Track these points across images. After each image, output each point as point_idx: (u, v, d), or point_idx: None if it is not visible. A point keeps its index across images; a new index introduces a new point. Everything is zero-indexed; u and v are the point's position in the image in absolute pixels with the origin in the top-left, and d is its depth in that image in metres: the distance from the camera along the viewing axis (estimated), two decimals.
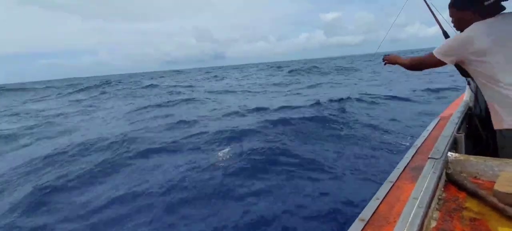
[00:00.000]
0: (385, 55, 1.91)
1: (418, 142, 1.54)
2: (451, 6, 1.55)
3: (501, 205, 0.93)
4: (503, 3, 1.41)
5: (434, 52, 1.52)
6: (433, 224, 0.94)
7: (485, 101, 2.26)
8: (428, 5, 1.87)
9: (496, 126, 1.46)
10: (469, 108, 1.98)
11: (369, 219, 0.93)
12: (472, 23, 1.40)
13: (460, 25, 1.52)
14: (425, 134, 1.67)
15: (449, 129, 1.49)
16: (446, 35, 1.72)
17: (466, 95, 2.17)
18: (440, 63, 1.52)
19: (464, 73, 1.60)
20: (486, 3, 1.38)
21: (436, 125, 1.80)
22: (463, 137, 1.52)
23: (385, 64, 1.91)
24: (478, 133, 1.95)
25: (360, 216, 0.96)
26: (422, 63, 1.64)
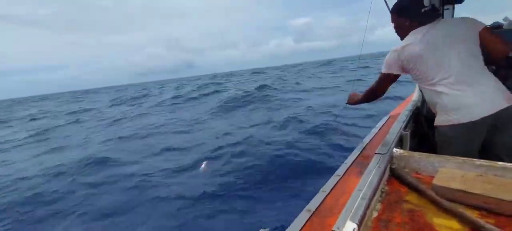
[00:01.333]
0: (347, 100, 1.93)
1: (367, 139, 1.57)
2: (392, 12, 1.58)
3: (438, 198, 0.95)
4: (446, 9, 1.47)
5: (382, 70, 1.56)
6: (375, 214, 0.93)
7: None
8: (388, 7, 1.90)
9: (435, 124, 1.53)
10: (417, 108, 2.07)
11: (315, 210, 0.92)
12: (409, 30, 1.46)
13: (400, 31, 1.56)
14: (374, 131, 1.71)
15: (396, 127, 1.53)
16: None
17: (415, 95, 2.28)
18: (389, 78, 1.54)
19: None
20: (422, 10, 1.44)
21: (385, 122, 1.85)
22: (408, 135, 1.57)
23: (347, 104, 1.93)
24: (423, 131, 2.05)
25: (306, 207, 0.95)
26: (375, 87, 1.64)
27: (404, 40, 1.47)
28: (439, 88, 1.40)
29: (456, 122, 1.36)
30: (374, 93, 1.67)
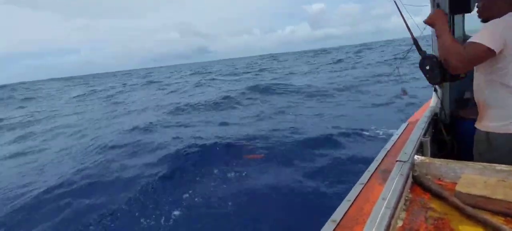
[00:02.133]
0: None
1: (388, 146, 1.60)
2: None
3: (462, 205, 0.98)
4: None
5: (479, 40, 1.32)
6: (400, 223, 0.97)
7: (450, 108, 2.40)
8: (400, 10, 1.86)
9: (484, 128, 1.52)
10: (435, 114, 2.08)
11: (340, 220, 0.96)
12: (502, 12, 1.34)
13: (488, 11, 1.43)
14: (394, 137, 1.74)
15: (416, 134, 1.56)
16: (417, 44, 1.76)
17: (433, 102, 2.29)
18: (485, 53, 1.33)
19: (435, 81, 1.67)
20: None
21: (404, 129, 1.88)
22: (428, 141, 1.59)
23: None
24: (442, 137, 2.06)
25: (332, 217, 0.98)
26: (466, 53, 1.36)
27: (504, 18, 1.32)
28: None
29: None
30: (460, 59, 1.36)
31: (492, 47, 1.30)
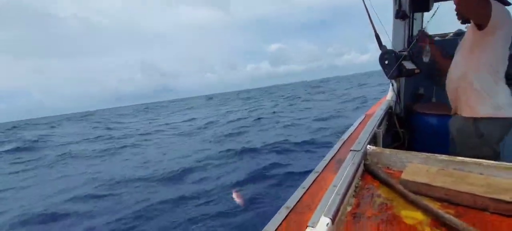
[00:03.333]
0: None
1: (345, 136, 1.65)
2: None
3: (405, 191, 1.03)
4: None
5: None
6: (349, 209, 1.00)
7: (404, 102, 2.54)
8: (366, 7, 1.93)
9: (473, 114, 1.63)
10: (390, 107, 2.20)
11: (293, 207, 0.96)
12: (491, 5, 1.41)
13: (476, 9, 1.46)
14: (351, 129, 1.80)
15: (371, 125, 1.63)
16: (378, 39, 1.83)
17: (389, 96, 2.41)
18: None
19: (392, 76, 1.74)
20: None
21: (361, 121, 1.95)
22: (381, 132, 1.67)
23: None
24: (396, 129, 2.18)
25: (285, 204, 0.99)
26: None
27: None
28: (500, 79, 1.52)
29: (508, 115, 1.52)
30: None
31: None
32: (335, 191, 0.97)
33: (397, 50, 1.74)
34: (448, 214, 0.88)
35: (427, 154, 1.21)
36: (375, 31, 1.87)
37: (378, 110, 1.99)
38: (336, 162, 1.29)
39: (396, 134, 2.22)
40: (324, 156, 1.40)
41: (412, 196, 1.01)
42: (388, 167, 1.29)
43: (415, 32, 2.65)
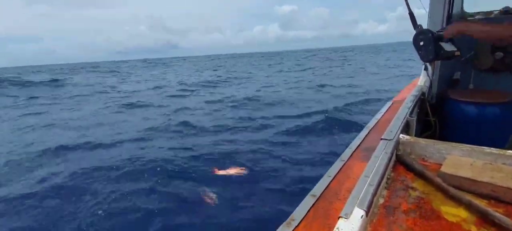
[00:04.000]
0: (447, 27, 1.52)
1: (371, 124, 1.55)
2: None
3: (445, 185, 0.93)
4: None
5: None
6: (381, 201, 0.92)
7: (438, 89, 2.36)
8: None
9: None
10: (423, 94, 2.04)
11: (320, 195, 0.91)
12: None
13: None
14: (378, 116, 1.69)
15: (402, 112, 1.51)
16: (413, 18, 1.67)
17: (421, 81, 2.24)
18: None
19: (427, 58, 1.59)
20: None
21: (389, 108, 1.83)
22: (414, 121, 1.54)
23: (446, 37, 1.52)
24: (427, 118, 2.02)
25: (311, 192, 0.94)
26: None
27: None
28: None
29: None
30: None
31: None
32: (368, 182, 0.89)
33: (434, 31, 1.57)
34: (497, 213, 0.78)
35: (471, 146, 1.09)
36: (408, 7, 1.71)
37: (408, 96, 1.85)
38: (364, 151, 1.21)
39: (427, 122, 2.07)
40: (349, 144, 1.32)
41: (453, 190, 0.90)
42: (423, 159, 1.19)
43: (455, 10, 2.42)
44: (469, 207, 0.85)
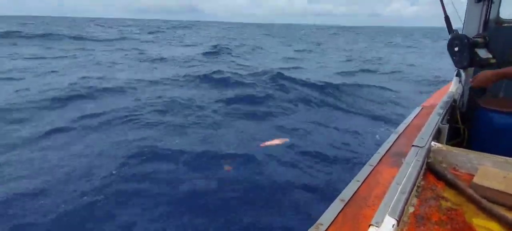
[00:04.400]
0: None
1: (400, 129, 1.55)
2: None
3: (478, 197, 0.95)
4: None
5: None
6: (411, 210, 0.95)
7: (469, 96, 2.30)
8: None
9: None
10: (454, 101, 2.00)
11: (349, 200, 0.93)
12: None
13: None
14: (407, 121, 1.69)
15: (434, 119, 1.50)
16: (448, 22, 1.64)
17: (453, 87, 2.19)
18: None
19: (462, 65, 1.57)
20: None
21: (418, 113, 1.82)
22: (447, 128, 1.54)
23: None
24: (456, 125, 1.99)
25: (340, 196, 0.96)
26: None
27: None
28: None
29: None
30: None
31: None
32: (399, 190, 0.91)
33: (470, 36, 1.54)
34: None
35: (504, 157, 1.09)
36: (444, 12, 1.67)
37: (440, 102, 1.83)
38: (393, 156, 1.23)
39: (455, 130, 2.04)
40: (378, 149, 1.33)
41: (486, 203, 0.92)
42: (454, 168, 1.19)
43: (492, 16, 2.33)
44: (500, 220, 0.86)
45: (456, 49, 1.51)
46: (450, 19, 1.70)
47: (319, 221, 0.84)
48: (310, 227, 0.82)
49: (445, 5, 1.65)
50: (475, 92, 2.41)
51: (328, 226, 0.81)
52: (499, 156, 1.11)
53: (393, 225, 0.77)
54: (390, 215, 0.79)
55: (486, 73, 1.55)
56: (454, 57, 1.56)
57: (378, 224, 0.76)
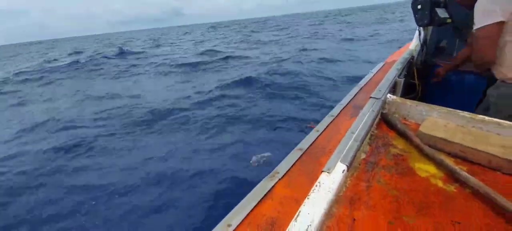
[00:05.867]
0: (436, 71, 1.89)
1: (362, 82, 1.61)
2: None
3: (421, 144, 1.04)
4: None
5: (477, 24, 1.34)
6: (363, 156, 1.02)
7: (427, 55, 2.42)
8: None
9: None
10: (412, 57, 2.10)
11: (307, 149, 0.97)
12: None
13: None
14: (369, 75, 1.75)
15: (392, 73, 1.57)
16: None
17: (413, 44, 2.29)
18: (492, 30, 1.33)
19: (422, 23, 1.62)
20: None
21: (380, 68, 1.89)
22: (402, 82, 1.62)
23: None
24: (412, 81, 2.12)
25: (298, 145, 0.99)
26: (476, 50, 1.41)
27: None
28: None
29: None
30: (479, 59, 1.43)
31: (498, 20, 1.28)
32: (353, 138, 0.97)
33: None
34: (462, 170, 0.90)
35: (448, 108, 1.19)
36: None
37: (400, 58, 1.91)
38: (353, 108, 1.28)
39: (411, 85, 2.17)
40: (340, 100, 1.38)
41: (427, 149, 1.01)
42: (405, 118, 1.29)
43: None
44: (439, 164, 0.96)
45: (419, 7, 1.55)
46: None
47: (276, 169, 0.86)
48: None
49: None
50: (431, 51, 2.54)
51: (284, 174, 0.84)
52: (443, 107, 1.21)
53: (343, 170, 0.82)
54: (341, 161, 0.85)
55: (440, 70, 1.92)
56: (416, 15, 1.61)
57: (329, 170, 0.81)
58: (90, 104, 7.13)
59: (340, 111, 1.26)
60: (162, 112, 5.63)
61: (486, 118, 1.12)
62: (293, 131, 4.23)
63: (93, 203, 3.02)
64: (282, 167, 0.87)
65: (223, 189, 2.98)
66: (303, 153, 0.95)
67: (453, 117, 1.17)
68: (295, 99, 5.75)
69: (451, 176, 0.91)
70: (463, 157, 1.00)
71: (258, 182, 0.82)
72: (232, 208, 0.72)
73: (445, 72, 1.99)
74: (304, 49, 12.39)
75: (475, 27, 1.37)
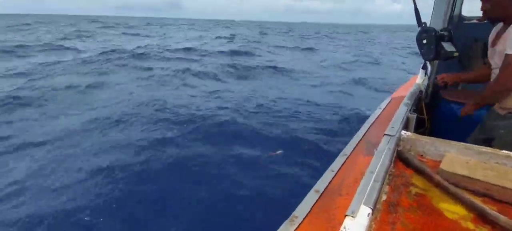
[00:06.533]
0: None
1: (371, 118, 1.59)
2: None
3: (445, 182, 0.99)
4: None
5: (509, 50, 1.37)
6: (384, 197, 0.97)
7: (433, 88, 2.44)
8: None
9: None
10: (421, 92, 2.10)
11: (323, 191, 0.94)
12: (509, 12, 1.41)
13: (496, 11, 1.46)
14: (377, 112, 1.74)
15: (403, 109, 1.56)
16: (418, 15, 1.70)
17: (419, 79, 2.30)
18: None
19: (428, 57, 1.64)
20: None
21: (388, 103, 1.88)
22: (415, 118, 1.60)
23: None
24: (420, 116, 2.10)
25: (315, 187, 0.96)
26: (506, 75, 1.43)
27: None
28: None
29: None
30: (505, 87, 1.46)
31: None
32: (373, 178, 0.92)
33: (437, 29, 1.62)
34: (492, 210, 0.84)
35: (467, 144, 1.15)
36: (415, 4, 1.74)
37: (409, 93, 1.91)
38: (366, 146, 1.25)
39: (420, 120, 2.15)
40: (351, 138, 1.35)
41: (452, 188, 0.96)
42: (421, 155, 1.24)
43: (457, 11, 2.47)
44: (465, 204, 0.90)
45: (424, 42, 1.58)
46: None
47: (294, 213, 0.82)
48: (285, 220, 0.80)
49: None
50: (438, 86, 2.56)
51: (304, 218, 0.80)
52: (462, 143, 1.17)
53: (369, 214, 0.77)
54: (365, 204, 0.80)
55: (448, 75, 1.79)
56: (422, 50, 1.63)
57: (354, 214, 0.76)
58: None
59: (353, 149, 1.23)
60: None
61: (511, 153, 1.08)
62: None
63: None
64: (300, 211, 0.83)
65: None
66: (321, 195, 0.91)
67: (472, 153, 1.13)
68: None
69: (482, 217, 0.84)
70: (489, 195, 0.94)
71: None
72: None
73: (475, 108, 1.77)
74: None
75: (507, 52, 1.38)
